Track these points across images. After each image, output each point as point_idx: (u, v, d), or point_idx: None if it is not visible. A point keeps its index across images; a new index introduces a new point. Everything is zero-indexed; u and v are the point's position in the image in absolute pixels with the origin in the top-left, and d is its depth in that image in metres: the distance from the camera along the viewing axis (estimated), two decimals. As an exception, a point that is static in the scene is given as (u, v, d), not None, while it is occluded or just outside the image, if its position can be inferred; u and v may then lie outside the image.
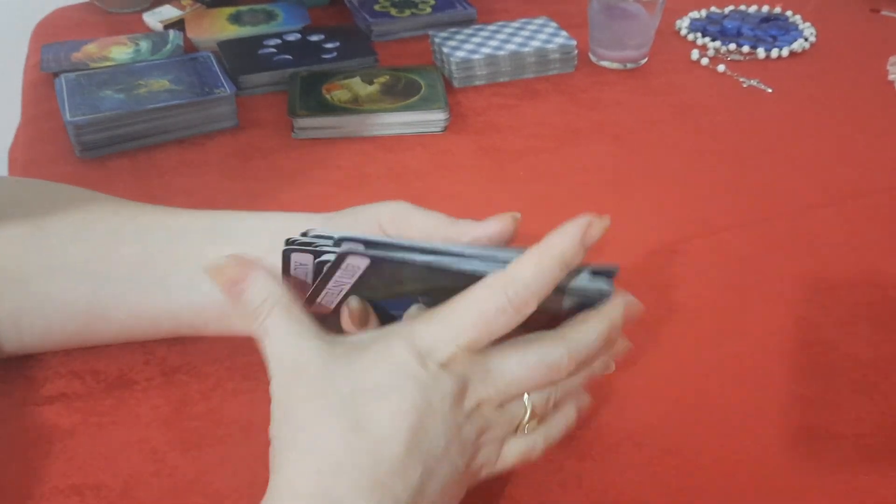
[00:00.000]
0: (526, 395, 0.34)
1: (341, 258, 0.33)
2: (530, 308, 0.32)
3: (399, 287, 0.36)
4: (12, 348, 0.42)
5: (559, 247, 0.33)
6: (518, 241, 0.36)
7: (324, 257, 0.35)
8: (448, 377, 0.32)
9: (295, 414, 0.32)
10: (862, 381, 0.43)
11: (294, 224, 0.41)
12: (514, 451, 0.35)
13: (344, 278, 0.35)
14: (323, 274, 0.34)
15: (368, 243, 0.35)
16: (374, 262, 0.34)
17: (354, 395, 0.31)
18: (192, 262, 0.41)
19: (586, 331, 0.35)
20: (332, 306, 0.37)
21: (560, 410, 0.36)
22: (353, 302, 0.37)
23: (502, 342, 0.33)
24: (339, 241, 0.35)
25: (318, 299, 0.36)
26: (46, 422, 0.41)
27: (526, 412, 0.34)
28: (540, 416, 0.35)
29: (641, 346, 0.45)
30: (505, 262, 0.33)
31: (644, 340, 0.46)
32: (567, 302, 0.35)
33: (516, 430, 0.35)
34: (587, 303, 0.35)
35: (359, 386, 0.31)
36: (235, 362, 0.44)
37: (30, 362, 0.44)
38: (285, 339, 0.33)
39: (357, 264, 0.34)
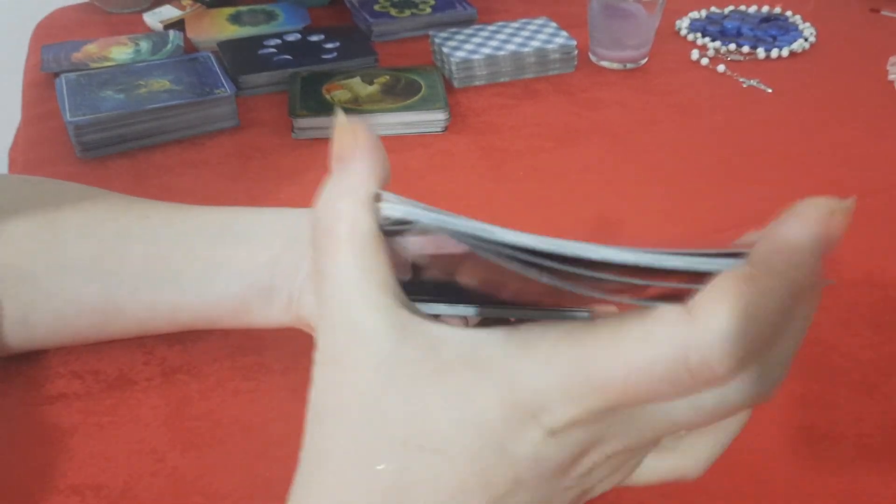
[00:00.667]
0: None
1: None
2: (717, 380, 0.20)
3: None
4: (20, 344, 0.42)
5: (795, 277, 0.20)
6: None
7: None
8: (557, 448, 0.22)
9: (332, 429, 0.23)
10: (862, 381, 0.43)
11: (304, 220, 0.41)
12: (652, 474, 0.27)
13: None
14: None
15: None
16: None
17: (408, 446, 0.22)
18: (204, 259, 0.41)
19: (781, 361, 0.22)
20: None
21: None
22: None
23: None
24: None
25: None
26: (46, 422, 0.41)
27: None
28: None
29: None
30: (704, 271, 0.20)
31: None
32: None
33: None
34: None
35: (419, 437, 0.22)
36: (235, 362, 0.44)
37: (30, 362, 0.44)
38: (347, 292, 0.23)
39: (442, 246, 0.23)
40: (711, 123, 0.69)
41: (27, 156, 0.65)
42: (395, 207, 0.23)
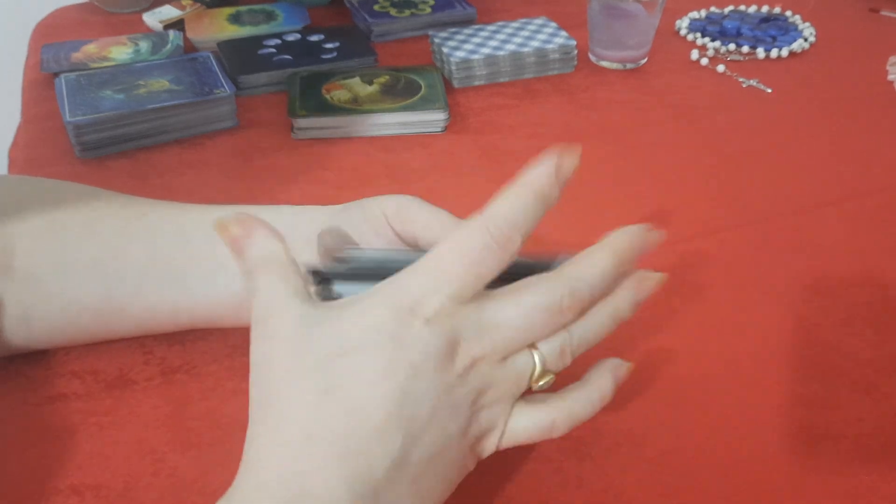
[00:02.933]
0: (534, 351, 0.31)
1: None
2: (515, 244, 0.30)
3: None
4: (21, 343, 0.42)
5: (534, 180, 0.31)
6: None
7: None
8: (433, 334, 0.29)
9: (267, 381, 0.30)
10: (862, 381, 0.43)
11: (303, 218, 0.41)
12: (527, 422, 0.32)
13: None
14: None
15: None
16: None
17: (329, 357, 0.29)
18: (204, 258, 0.41)
19: (587, 264, 0.31)
20: None
21: (587, 381, 0.33)
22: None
23: (493, 290, 0.30)
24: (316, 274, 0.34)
25: None
26: (46, 422, 0.41)
27: (534, 365, 0.31)
28: (556, 370, 0.32)
29: (641, 345, 0.45)
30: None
31: (643, 340, 0.46)
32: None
33: (529, 388, 0.31)
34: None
35: (333, 348, 0.29)
36: (235, 362, 0.44)
37: (30, 362, 0.44)
38: (270, 299, 0.31)
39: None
40: (711, 123, 0.69)
41: (27, 156, 0.65)
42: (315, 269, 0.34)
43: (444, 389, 0.29)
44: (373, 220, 0.39)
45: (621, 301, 0.33)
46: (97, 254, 0.41)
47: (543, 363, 0.31)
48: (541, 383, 0.31)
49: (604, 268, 0.32)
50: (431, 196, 0.61)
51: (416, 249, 0.38)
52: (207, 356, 0.44)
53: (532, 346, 0.31)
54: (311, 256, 0.40)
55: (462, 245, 0.30)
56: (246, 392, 0.42)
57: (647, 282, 0.34)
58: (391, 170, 0.62)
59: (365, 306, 0.30)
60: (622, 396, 0.41)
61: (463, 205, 0.60)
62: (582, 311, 0.32)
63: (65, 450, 0.39)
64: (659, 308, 0.48)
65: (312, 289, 0.33)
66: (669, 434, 0.40)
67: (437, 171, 0.62)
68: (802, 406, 0.42)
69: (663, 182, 0.61)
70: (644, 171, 0.63)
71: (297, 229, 0.41)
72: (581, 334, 0.32)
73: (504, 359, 0.31)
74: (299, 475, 0.28)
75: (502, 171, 0.62)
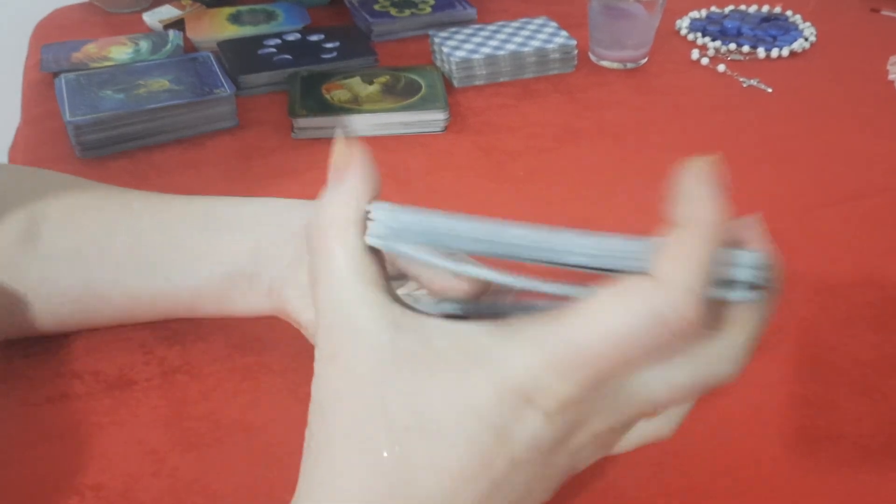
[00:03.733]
0: None
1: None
2: (692, 325, 0.22)
3: None
4: (5, 332, 0.43)
5: (710, 223, 0.22)
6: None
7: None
8: (552, 428, 0.23)
9: (331, 428, 0.24)
10: (862, 382, 0.43)
11: (290, 210, 0.41)
12: (634, 439, 0.27)
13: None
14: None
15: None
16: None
17: (407, 429, 0.23)
18: (187, 249, 0.41)
19: (746, 337, 0.25)
20: None
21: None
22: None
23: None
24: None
25: None
26: (46, 422, 0.41)
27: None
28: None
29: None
30: (630, 259, 0.23)
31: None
32: None
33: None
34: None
35: (418, 419, 0.23)
36: (235, 362, 0.44)
37: (30, 362, 0.44)
38: (341, 291, 0.24)
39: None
40: (711, 123, 0.69)
41: (27, 155, 0.65)
42: (374, 240, 0.25)
43: (549, 470, 0.24)
44: None
45: None
46: (78, 243, 0.41)
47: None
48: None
49: (756, 339, 0.25)
50: (431, 196, 0.62)
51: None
52: (207, 356, 0.44)
53: None
54: (296, 248, 0.40)
55: (607, 322, 0.22)
56: (246, 392, 0.42)
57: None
58: (391, 170, 0.62)
59: (461, 374, 0.23)
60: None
61: (463, 205, 0.60)
62: None
63: (65, 450, 0.39)
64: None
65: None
66: (669, 434, 0.40)
67: (437, 171, 0.62)
68: (802, 406, 0.42)
69: (663, 182, 0.61)
70: (644, 170, 0.63)
71: (286, 223, 0.41)
72: None
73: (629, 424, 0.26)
74: None
75: (502, 171, 0.62)
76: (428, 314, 0.24)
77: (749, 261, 0.24)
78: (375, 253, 0.25)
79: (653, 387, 0.24)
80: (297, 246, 0.40)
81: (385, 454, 0.23)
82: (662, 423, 0.28)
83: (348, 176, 0.26)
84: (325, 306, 0.24)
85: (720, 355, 0.24)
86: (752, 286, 0.24)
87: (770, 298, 0.25)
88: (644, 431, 0.27)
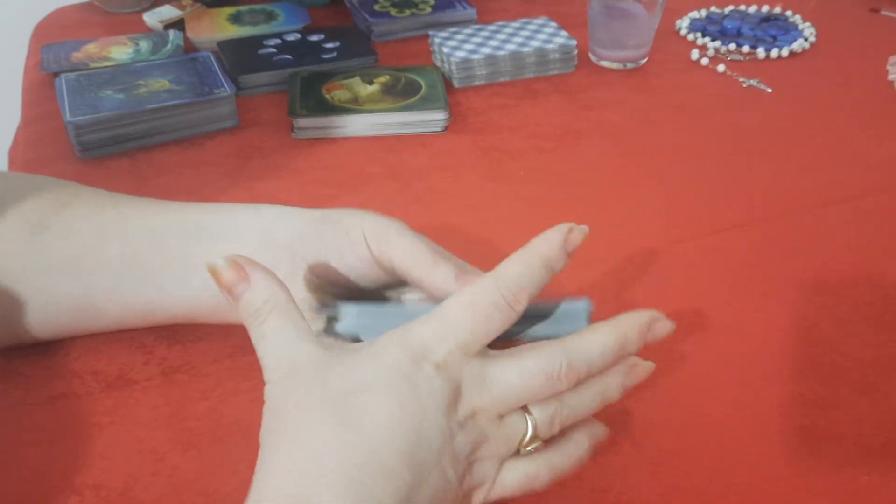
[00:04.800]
0: (528, 415, 0.33)
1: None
2: (522, 305, 0.32)
3: None
4: (4, 341, 0.43)
5: (543, 249, 0.33)
6: (519, 242, 0.36)
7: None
8: (442, 379, 0.31)
9: (281, 413, 0.31)
10: (862, 382, 0.43)
11: (282, 224, 0.41)
12: (514, 476, 0.33)
13: None
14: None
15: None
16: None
17: (344, 394, 0.30)
18: (180, 259, 0.41)
19: (591, 340, 0.33)
20: None
21: (570, 438, 0.35)
22: None
23: (497, 350, 0.33)
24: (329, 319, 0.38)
25: None
26: (46, 422, 0.41)
27: (527, 429, 0.33)
28: (543, 437, 0.33)
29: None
30: None
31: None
32: (538, 330, 0.36)
33: (517, 450, 0.33)
34: (561, 331, 0.35)
35: (349, 385, 0.30)
36: (235, 362, 0.44)
37: (29, 362, 0.44)
38: (282, 342, 0.32)
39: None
40: (711, 123, 0.69)
41: (27, 155, 0.65)
42: (343, 330, 0.37)
43: (448, 434, 0.30)
44: (353, 239, 0.39)
45: (611, 383, 0.35)
46: (74, 253, 0.41)
47: (535, 428, 0.33)
48: (529, 448, 0.33)
49: (605, 347, 0.33)
50: (431, 196, 0.62)
51: (392, 276, 0.40)
52: (207, 356, 0.44)
53: (526, 409, 0.33)
54: (288, 263, 0.40)
55: (473, 300, 0.32)
56: (246, 392, 0.42)
57: (637, 369, 0.36)
58: (391, 170, 0.62)
59: (379, 348, 0.31)
60: (622, 397, 0.41)
61: (463, 205, 0.60)
62: (577, 383, 0.33)
63: (65, 450, 0.39)
64: (659, 308, 0.48)
65: (316, 329, 0.35)
66: (669, 434, 0.40)
67: (437, 171, 0.62)
68: (802, 406, 0.42)
69: (663, 182, 0.61)
70: (644, 170, 0.63)
71: (276, 235, 0.41)
72: (572, 406, 0.34)
73: (500, 416, 0.33)
74: (304, 499, 0.28)
75: (502, 171, 0.62)
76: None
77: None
78: (297, 310, 0.34)
79: (505, 369, 0.32)
80: (290, 258, 0.40)
81: (331, 417, 0.29)
82: (539, 466, 0.34)
83: (251, 277, 0.34)
84: (270, 356, 0.33)
85: (554, 352, 0.33)
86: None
87: (611, 326, 0.34)
88: (521, 469, 0.33)
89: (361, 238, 0.39)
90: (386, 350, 0.31)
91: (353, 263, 0.40)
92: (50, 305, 0.42)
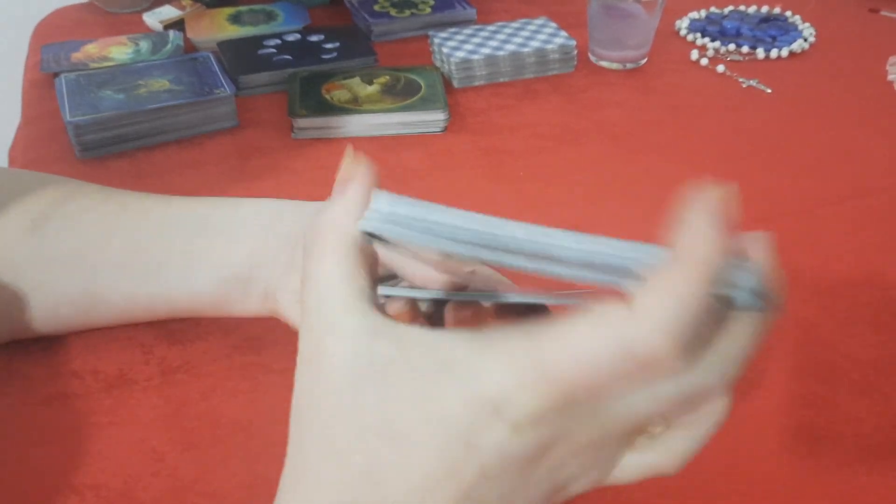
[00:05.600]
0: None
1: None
2: (663, 361, 0.21)
3: None
4: (5, 335, 0.43)
5: (704, 260, 0.22)
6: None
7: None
8: (521, 441, 0.22)
9: (307, 431, 0.25)
10: (862, 382, 0.43)
11: (282, 213, 0.41)
12: (631, 471, 0.27)
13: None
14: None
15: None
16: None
17: (379, 436, 0.23)
18: (182, 252, 0.41)
19: (737, 351, 0.24)
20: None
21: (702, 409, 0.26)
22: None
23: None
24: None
25: None
26: (46, 421, 0.41)
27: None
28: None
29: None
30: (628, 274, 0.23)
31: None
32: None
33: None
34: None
35: (389, 427, 0.23)
36: (235, 362, 0.44)
37: (29, 362, 0.44)
38: (328, 298, 0.24)
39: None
40: (711, 123, 0.69)
41: (27, 155, 0.65)
42: (370, 224, 0.26)
43: (526, 487, 0.24)
44: None
45: None
46: (77, 246, 0.41)
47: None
48: (646, 438, 0.27)
49: (748, 354, 0.25)
50: (431, 196, 0.61)
51: (387, 270, 0.36)
52: (207, 356, 0.44)
53: None
54: (289, 254, 0.40)
55: (581, 347, 0.22)
56: (246, 392, 0.42)
57: None
58: (391, 170, 0.62)
59: (433, 386, 0.23)
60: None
61: (463, 205, 0.60)
62: None
63: (64, 450, 0.39)
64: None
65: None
66: (669, 434, 0.40)
67: (437, 171, 0.62)
68: (802, 406, 0.42)
69: (663, 182, 0.61)
70: (644, 171, 0.63)
71: (277, 227, 0.41)
72: None
73: (615, 442, 0.25)
74: None
75: (502, 171, 0.62)
76: (408, 326, 0.25)
77: (748, 282, 0.24)
78: (367, 265, 0.25)
79: (636, 401, 0.23)
80: (290, 251, 0.40)
81: (355, 459, 0.23)
82: (663, 455, 0.27)
83: (351, 188, 0.26)
84: (310, 308, 0.25)
85: (707, 368, 0.23)
86: (751, 306, 0.24)
87: (768, 316, 0.25)
88: (643, 461, 0.27)
89: None
90: (443, 393, 0.23)
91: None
92: (52, 299, 0.42)
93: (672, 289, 0.21)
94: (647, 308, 0.21)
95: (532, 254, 0.24)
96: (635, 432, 0.26)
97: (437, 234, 0.25)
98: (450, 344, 0.23)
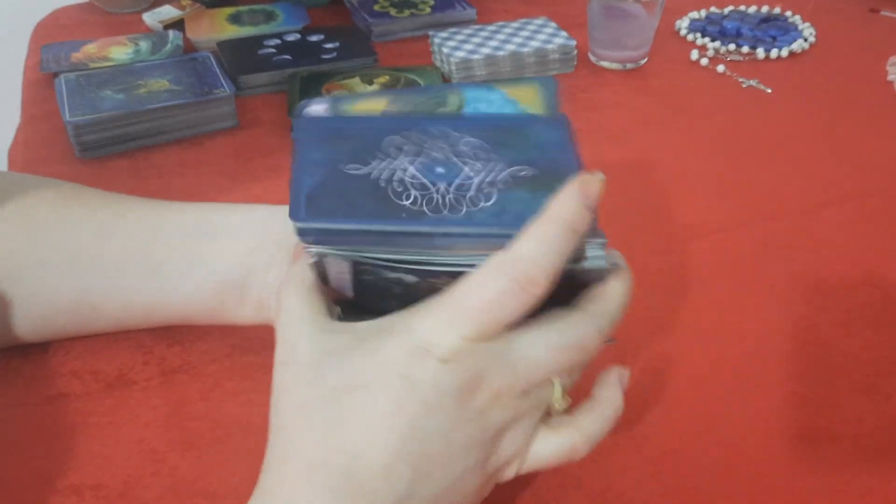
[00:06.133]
0: (554, 380, 0.31)
1: (319, 261, 0.32)
2: (540, 287, 0.28)
3: (394, 296, 0.33)
4: (1, 341, 0.43)
5: (562, 213, 0.29)
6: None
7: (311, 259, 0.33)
8: (450, 373, 0.28)
9: (281, 410, 0.30)
10: (862, 381, 0.43)
11: (273, 217, 0.41)
12: (547, 448, 0.32)
13: (341, 283, 0.33)
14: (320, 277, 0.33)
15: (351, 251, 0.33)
16: (355, 265, 0.32)
17: (338, 391, 0.29)
18: (178, 258, 0.41)
19: (611, 303, 0.32)
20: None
21: (597, 398, 0.33)
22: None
23: (521, 324, 0.30)
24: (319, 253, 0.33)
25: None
26: (46, 422, 0.41)
27: (553, 391, 0.31)
28: (569, 389, 0.32)
29: (641, 346, 0.45)
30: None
31: (644, 340, 0.46)
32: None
33: (548, 414, 0.32)
34: (587, 277, 0.32)
35: (343, 382, 0.29)
36: (235, 362, 0.44)
37: (29, 362, 0.44)
38: (293, 319, 0.31)
39: (341, 269, 0.32)
40: (711, 124, 0.69)
41: (26, 156, 0.65)
42: (314, 252, 0.31)
43: (462, 424, 0.29)
44: None
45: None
46: (74, 253, 0.41)
47: (563, 387, 0.32)
48: (557, 406, 0.32)
49: (623, 306, 0.32)
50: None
51: None
52: (207, 356, 0.44)
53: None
54: (282, 258, 0.40)
55: (481, 289, 0.29)
56: (245, 392, 0.42)
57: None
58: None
59: (378, 342, 0.29)
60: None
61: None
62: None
63: (64, 450, 0.39)
64: (659, 308, 0.48)
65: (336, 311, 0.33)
66: (669, 434, 0.40)
67: (437, 171, 0.62)
68: (802, 406, 0.42)
69: (662, 182, 0.61)
70: (644, 171, 0.63)
71: (270, 232, 0.41)
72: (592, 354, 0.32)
73: (527, 392, 0.31)
74: None
75: (502, 171, 0.62)
76: (356, 322, 0.31)
77: (596, 247, 0.32)
78: (320, 293, 0.32)
79: (533, 346, 0.30)
80: (282, 257, 0.40)
81: (322, 413, 0.29)
82: (574, 434, 0.32)
83: (302, 255, 0.32)
84: (283, 325, 0.31)
85: (586, 321, 0.31)
86: (601, 266, 0.31)
87: (620, 277, 0.32)
88: (557, 440, 0.32)
89: None
90: (385, 345, 0.29)
91: None
92: (48, 306, 0.42)
93: (537, 233, 0.29)
94: (519, 246, 0.29)
95: (443, 246, 0.31)
96: (543, 389, 0.31)
97: (366, 243, 0.31)
98: (389, 318, 0.30)
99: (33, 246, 0.41)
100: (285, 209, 0.42)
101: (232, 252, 0.41)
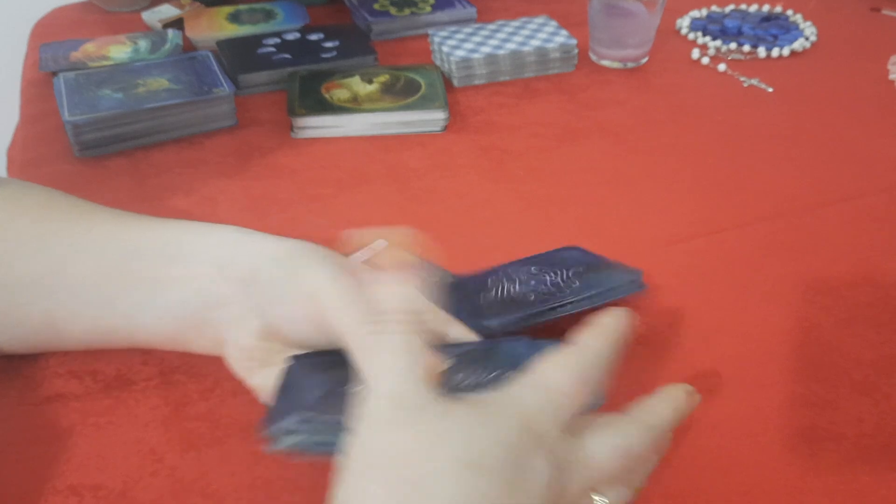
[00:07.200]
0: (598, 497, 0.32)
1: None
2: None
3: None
4: None
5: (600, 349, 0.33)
6: (518, 241, 0.36)
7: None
8: (550, 467, 0.29)
9: (395, 458, 0.29)
10: (862, 382, 0.43)
11: (245, 241, 0.40)
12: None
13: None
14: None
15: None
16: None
17: (465, 464, 0.28)
18: (144, 283, 0.40)
19: (664, 408, 0.34)
20: None
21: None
22: None
23: (585, 425, 0.32)
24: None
25: None
26: (45, 422, 0.41)
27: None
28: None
29: (641, 345, 0.45)
30: None
31: (644, 340, 0.46)
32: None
33: None
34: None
35: (470, 455, 0.28)
36: (234, 362, 0.44)
37: (28, 362, 0.44)
38: (402, 368, 0.31)
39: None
40: (712, 122, 0.69)
41: (25, 155, 0.65)
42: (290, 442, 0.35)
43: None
44: (303, 300, 0.38)
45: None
46: (42, 272, 0.40)
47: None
48: None
49: (674, 420, 0.34)
50: (431, 196, 0.62)
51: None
52: (207, 356, 0.44)
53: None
54: (240, 302, 0.39)
55: (581, 369, 0.31)
56: (245, 392, 0.42)
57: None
58: (391, 169, 0.62)
59: (498, 418, 0.30)
60: (622, 397, 0.41)
61: (463, 204, 0.60)
62: None
63: (63, 450, 0.39)
64: (659, 308, 0.48)
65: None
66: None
67: (437, 171, 0.62)
68: (802, 406, 0.42)
69: (663, 182, 0.61)
70: (644, 170, 0.63)
71: (232, 268, 0.39)
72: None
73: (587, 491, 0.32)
74: None
75: (502, 171, 0.62)
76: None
77: None
78: (425, 356, 0.32)
79: (598, 446, 0.31)
80: (241, 298, 0.39)
81: (448, 490, 0.28)
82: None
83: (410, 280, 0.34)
84: (379, 388, 0.31)
85: (641, 428, 0.33)
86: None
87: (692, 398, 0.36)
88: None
89: (313, 306, 0.37)
90: (507, 425, 0.29)
91: (299, 321, 0.38)
92: (18, 324, 0.41)
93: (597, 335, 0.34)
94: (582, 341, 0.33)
95: None
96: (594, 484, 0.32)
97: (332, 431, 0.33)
98: (493, 390, 0.32)
99: (7, 264, 0.40)
100: (252, 241, 0.40)
101: (191, 286, 0.40)
